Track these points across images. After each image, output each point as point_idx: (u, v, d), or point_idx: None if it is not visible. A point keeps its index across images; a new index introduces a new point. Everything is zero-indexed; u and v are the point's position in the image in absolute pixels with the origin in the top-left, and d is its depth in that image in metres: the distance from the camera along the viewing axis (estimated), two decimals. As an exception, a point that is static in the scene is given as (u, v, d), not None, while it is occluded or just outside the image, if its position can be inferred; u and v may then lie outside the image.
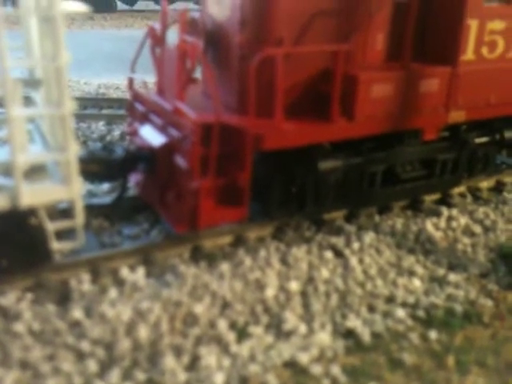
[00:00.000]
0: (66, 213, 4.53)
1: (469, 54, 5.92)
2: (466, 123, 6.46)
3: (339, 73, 5.17)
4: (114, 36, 24.23)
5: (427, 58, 5.97)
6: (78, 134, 9.51)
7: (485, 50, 6.02)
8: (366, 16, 5.46)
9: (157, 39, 5.82)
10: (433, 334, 4.64)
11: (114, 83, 13.61)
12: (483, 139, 6.80)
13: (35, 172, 4.39)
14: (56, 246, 4.45)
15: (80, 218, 4.35)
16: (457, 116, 6.14)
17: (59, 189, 4.23)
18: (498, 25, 5.97)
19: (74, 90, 12.91)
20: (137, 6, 35.83)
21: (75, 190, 4.22)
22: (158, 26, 5.80)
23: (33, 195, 4.13)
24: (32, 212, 4.30)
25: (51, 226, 4.37)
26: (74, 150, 4.12)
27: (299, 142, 5.22)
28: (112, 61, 17.76)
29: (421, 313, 4.88)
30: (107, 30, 26.64)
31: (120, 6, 34.94)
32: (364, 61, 5.63)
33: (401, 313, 4.84)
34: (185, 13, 5.30)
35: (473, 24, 5.78)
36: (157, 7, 33.18)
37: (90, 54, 18.94)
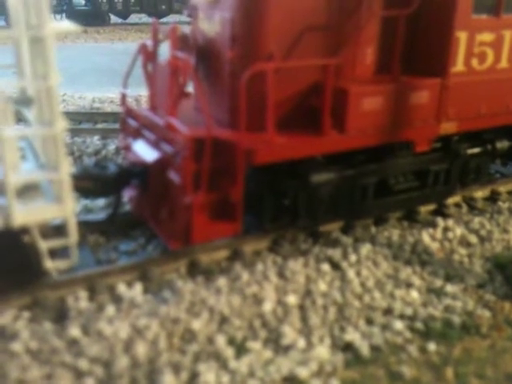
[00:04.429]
0: (60, 229, 4.51)
1: (459, 66, 5.94)
2: (457, 134, 6.47)
3: (329, 86, 5.19)
4: (108, 49, 24.34)
5: (417, 71, 5.99)
6: (73, 148, 9.50)
7: (475, 62, 6.05)
8: (355, 30, 5.49)
9: (149, 55, 5.83)
10: (431, 346, 4.63)
11: (109, 97, 13.61)
12: (475, 150, 6.81)
13: (28, 190, 4.37)
14: (49, 264, 4.42)
15: (73, 236, 4.33)
16: (448, 127, 6.15)
17: (52, 207, 4.21)
18: (487, 36, 6.00)
19: (68, 104, 12.94)
20: (130, 19, 36.02)
21: (68, 209, 4.20)
22: (149, 42, 5.83)
23: (25, 214, 4.11)
24: (25, 231, 4.28)
25: (44, 245, 4.35)
26: (67, 169, 4.11)
27: (291, 155, 5.23)
28: (106, 74, 17.81)
29: (419, 325, 4.87)
30: (101, 44, 26.77)
31: (113, 19, 35.13)
32: (354, 74, 5.65)
33: (399, 325, 4.82)
34: (176, 29, 5.31)
35: (462, 36, 5.82)
36: (150, 20, 33.33)
37: (84, 68, 19.01)
